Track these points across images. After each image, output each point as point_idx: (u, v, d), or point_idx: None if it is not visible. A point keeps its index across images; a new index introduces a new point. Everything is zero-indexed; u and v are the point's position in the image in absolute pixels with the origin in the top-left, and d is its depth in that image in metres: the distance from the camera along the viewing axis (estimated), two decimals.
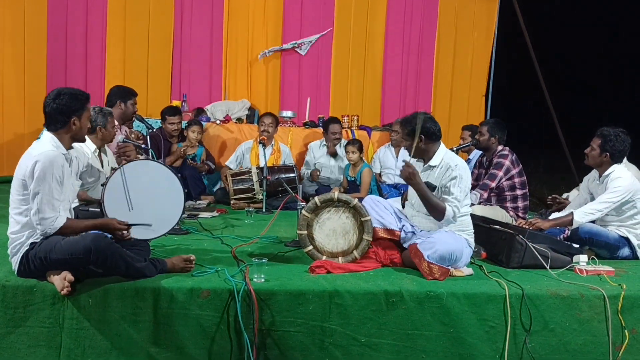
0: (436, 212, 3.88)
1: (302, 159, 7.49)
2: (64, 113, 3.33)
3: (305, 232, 3.94)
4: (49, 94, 3.39)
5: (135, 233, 3.51)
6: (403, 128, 4.15)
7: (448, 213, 3.86)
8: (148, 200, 3.58)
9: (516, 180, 5.52)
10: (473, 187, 5.70)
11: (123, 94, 5.62)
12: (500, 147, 5.62)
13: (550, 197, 5.65)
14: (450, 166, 3.95)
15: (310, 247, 3.93)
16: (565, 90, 17.26)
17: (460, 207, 3.91)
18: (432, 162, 4.05)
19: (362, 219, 3.96)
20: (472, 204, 5.42)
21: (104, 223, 3.42)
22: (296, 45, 8.58)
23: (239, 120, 7.87)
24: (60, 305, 3.19)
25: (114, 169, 3.50)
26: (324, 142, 7.27)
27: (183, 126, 6.92)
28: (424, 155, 4.09)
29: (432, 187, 3.97)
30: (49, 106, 3.33)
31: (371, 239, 3.96)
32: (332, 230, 3.97)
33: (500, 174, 5.46)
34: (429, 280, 3.64)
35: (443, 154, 4.05)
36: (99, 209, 3.65)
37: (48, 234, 3.24)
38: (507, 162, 5.48)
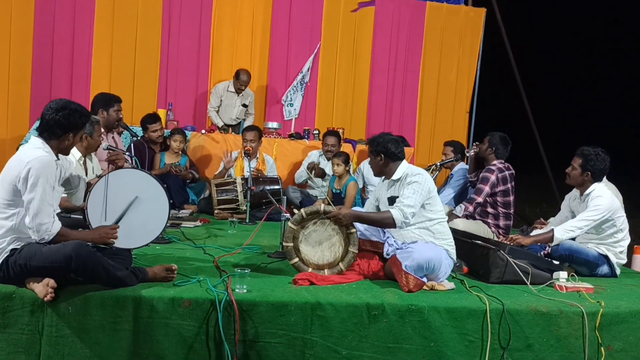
0: (386, 223, 3.94)
1: (287, 171, 7.47)
2: (64, 127, 3.29)
3: (291, 244, 3.94)
4: (53, 103, 3.31)
5: (118, 242, 3.50)
6: (369, 146, 4.27)
7: (395, 216, 3.87)
8: (133, 208, 3.57)
9: (499, 198, 5.57)
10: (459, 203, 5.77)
11: (105, 101, 5.60)
12: (496, 161, 5.68)
13: (537, 221, 5.71)
14: (408, 174, 4.05)
15: (296, 259, 3.93)
16: (548, 108, 17.50)
17: (413, 208, 3.89)
18: (394, 177, 4.13)
19: (348, 231, 3.98)
20: (457, 216, 5.49)
21: (95, 234, 3.41)
22: (307, 81, 8.52)
23: (224, 130, 7.86)
24: (40, 313, 3.16)
25: (99, 176, 3.47)
26: (322, 153, 7.28)
27: (166, 134, 6.92)
28: (384, 173, 4.20)
29: None
30: (50, 116, 3.27)
31: (357, 251, 3.98)
32: (318, 243, 3.98)
33: (487, 188, 5.50)
34: (405, 291, 3.67)
35: (405, 168, 4.13)
36: (81, 216, 3.63)
37: (45, 240, 3.21)
38: (492, 177, 5.53)
